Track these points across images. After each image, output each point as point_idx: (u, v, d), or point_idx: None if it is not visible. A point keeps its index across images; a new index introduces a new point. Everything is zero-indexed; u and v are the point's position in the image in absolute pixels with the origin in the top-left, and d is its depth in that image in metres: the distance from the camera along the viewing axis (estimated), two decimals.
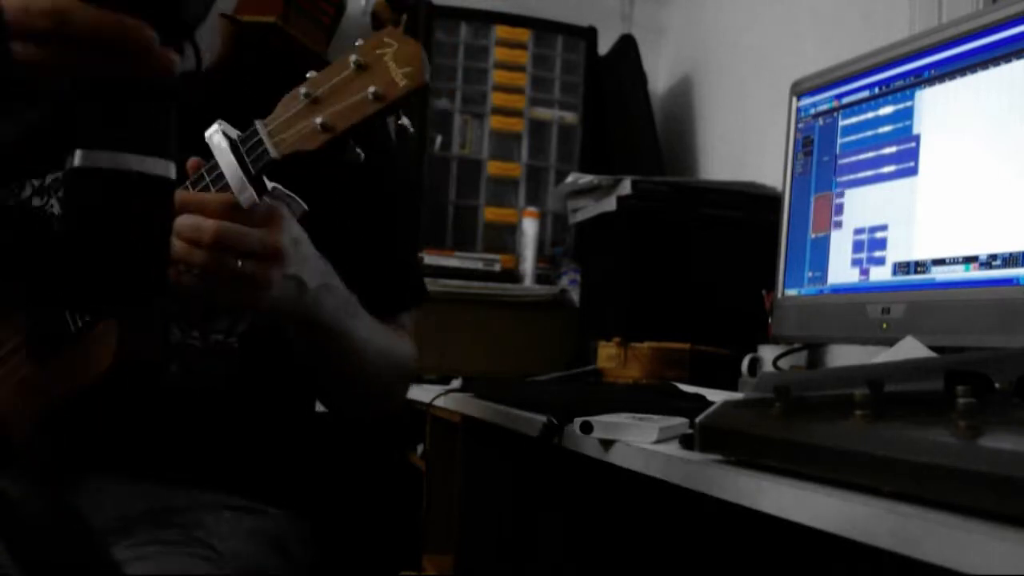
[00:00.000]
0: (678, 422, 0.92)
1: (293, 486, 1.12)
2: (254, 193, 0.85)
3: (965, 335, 1.09)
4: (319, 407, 1.24)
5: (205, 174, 0.88)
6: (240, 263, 0.84)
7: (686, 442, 0.82)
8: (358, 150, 0.86)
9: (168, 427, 1.02)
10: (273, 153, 0.84)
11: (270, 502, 1.05)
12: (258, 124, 0.85)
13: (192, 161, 0.89)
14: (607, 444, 0.93)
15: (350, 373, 1.05)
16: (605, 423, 0.93)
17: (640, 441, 0.89)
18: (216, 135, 0.86)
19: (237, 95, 1.02)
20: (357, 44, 0.83)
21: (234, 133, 0.86)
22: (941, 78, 1.18)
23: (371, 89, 0.81)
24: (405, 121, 0.85)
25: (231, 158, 0.85)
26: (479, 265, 2.32)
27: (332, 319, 0.96)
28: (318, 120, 0.82)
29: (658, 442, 0.89)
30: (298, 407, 1.21)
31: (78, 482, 0.96)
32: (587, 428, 0.93)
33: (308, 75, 0.84)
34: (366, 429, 1.32)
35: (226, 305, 0.95)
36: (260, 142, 0.84)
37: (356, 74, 0.82)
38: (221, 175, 0.85)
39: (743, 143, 2.32)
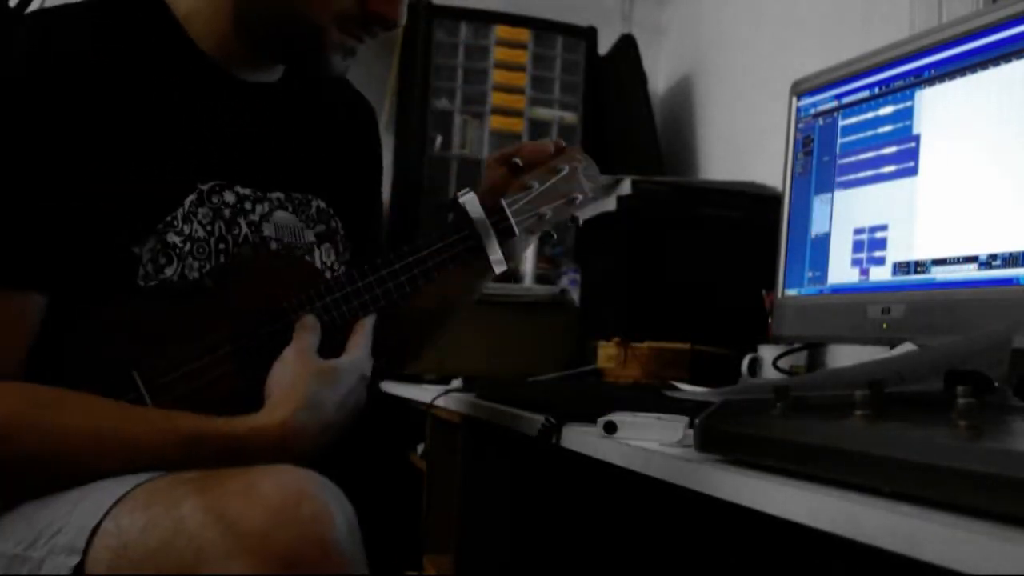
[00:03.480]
0: None
1: None
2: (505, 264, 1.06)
3: (965, 335, 1.09)
4: None
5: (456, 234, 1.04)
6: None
7: None
8: (553, 234, 1.12)
9: None
10: (516, 232, 1.05)
11: None
12: (504, 203, 1.04)
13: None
14: (607, 444, 0.93)
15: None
16: (630, 423, 0.92)
17: (666, 440, 0.89)
18: (470, 200, 1.04)
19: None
20: (559, 157, 1.08)
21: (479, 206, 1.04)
22: (941, 78, 1.18)
23: (577, 197, 1.07)
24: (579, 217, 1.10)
25: (489, 228, 1.03)
26: None
27: None
28: (543, 212, 1.06)
29: (683, 441, 0.88)
30: None
31: None
32: (611, 428, 0.92)
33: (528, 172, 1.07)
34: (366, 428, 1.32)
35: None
36: (506, 219, 1.04)
37: (561, 179, 1.07)
38: (474, 236, 1.03)
39: (743, 143, 2.32)
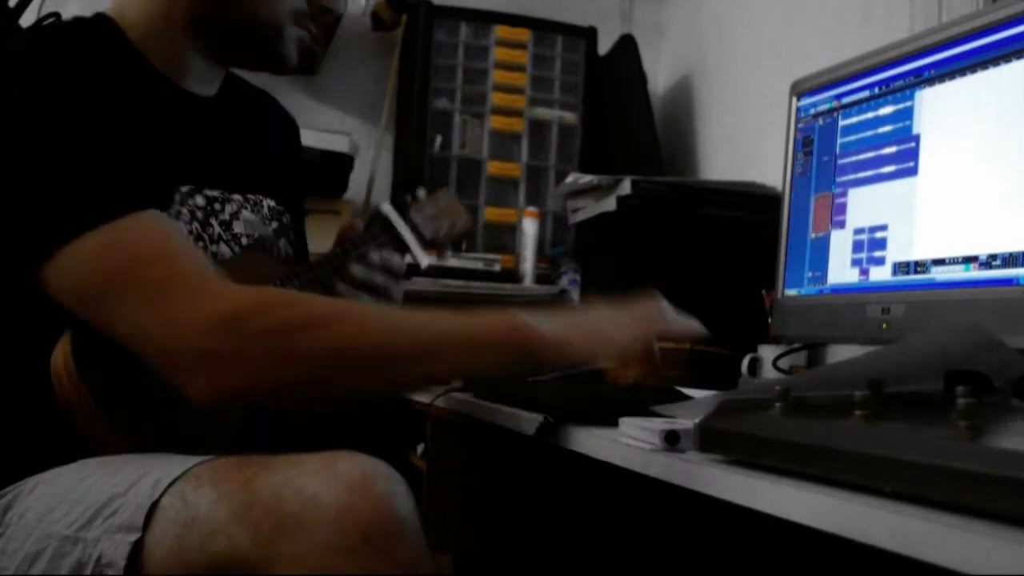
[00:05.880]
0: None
1: None
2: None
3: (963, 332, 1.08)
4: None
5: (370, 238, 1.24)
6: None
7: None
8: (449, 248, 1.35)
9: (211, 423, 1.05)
10: (426, 236, 1.28)
11: None
12: (412, 214, 1.27)
13: (350, 221, 1.26)
14: (606, 444, 0.93)
15: None
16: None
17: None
18: (387, 207, 1.25)
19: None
20: (439, 193, 1.34)
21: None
22: (941, 78, 1.18)
23: (457, 221, 1.34)
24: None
25: (406, 227, 1.26)
26: (479, 265, 2.32)
27: None
28: (439, 226, 1.31)
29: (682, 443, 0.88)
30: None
31: None
32: (673, 439, 0.92)
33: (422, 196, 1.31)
34: (364, 428, 1.34)
35: None
36: (415, 227, 1.27)
37: (444, 207, 1.33)
38: (396, 239, 1.25)
39: (743, 143, 2.32)
